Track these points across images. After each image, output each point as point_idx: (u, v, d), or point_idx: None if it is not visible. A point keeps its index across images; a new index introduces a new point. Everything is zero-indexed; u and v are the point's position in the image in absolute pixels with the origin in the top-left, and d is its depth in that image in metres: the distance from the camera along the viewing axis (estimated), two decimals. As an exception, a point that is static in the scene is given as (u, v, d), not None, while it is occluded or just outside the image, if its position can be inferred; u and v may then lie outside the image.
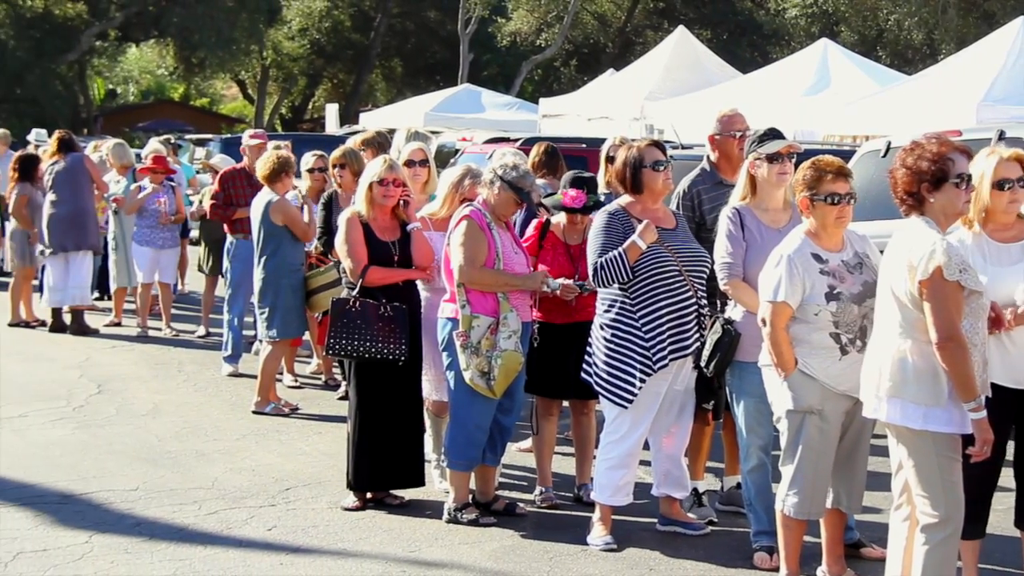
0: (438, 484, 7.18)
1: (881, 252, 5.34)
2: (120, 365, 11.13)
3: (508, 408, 6.74)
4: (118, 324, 12.99)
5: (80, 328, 12.52)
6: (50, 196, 12.53)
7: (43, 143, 16.92)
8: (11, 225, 13.52)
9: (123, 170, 13.46)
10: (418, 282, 7.12)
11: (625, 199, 6.41)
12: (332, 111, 31.53)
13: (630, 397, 6.20)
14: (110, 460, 7.83)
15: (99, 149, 14.47)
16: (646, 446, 6.49)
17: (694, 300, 6.24)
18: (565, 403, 7.35)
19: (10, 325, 12.99)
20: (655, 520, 6.62)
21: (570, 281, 6.81)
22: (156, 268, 12.51)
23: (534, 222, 7.24)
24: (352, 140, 9.75)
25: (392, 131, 9.70)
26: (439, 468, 7.23)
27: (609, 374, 6.24)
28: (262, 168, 9.40)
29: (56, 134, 13.32)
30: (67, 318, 12.64)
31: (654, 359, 6.16)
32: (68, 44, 42.69)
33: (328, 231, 8.91)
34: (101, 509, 6.88)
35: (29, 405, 9.33)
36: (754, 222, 6.06)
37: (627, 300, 6.23)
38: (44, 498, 7.02)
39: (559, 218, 7.11)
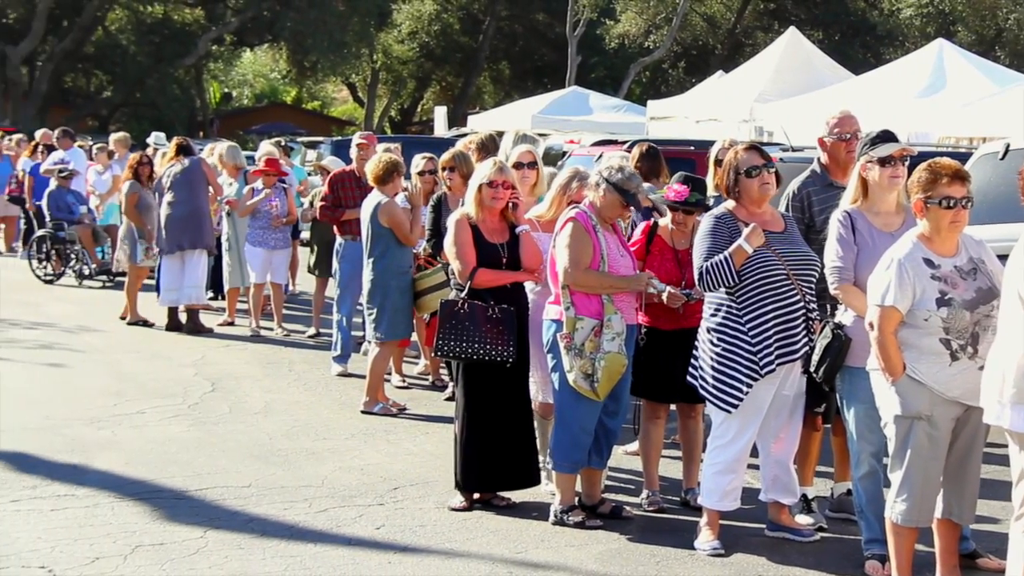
0: (544, 486, 7.20)
1: (999, 257, 5.22)
2: (233, 364, 11.35)
3: (614, 411, 6.73)
4: (231, 324, 13.24)
5: (195, 327, 12.79)
6: (167, 197, 12.79)
7: (162, 146, 17.33)
8: (123, 227, 13.82)
9: (235, 172, 13.73)
10: (526, 284, 7.15)
11: (731, 202, 6.36)
12: (440, 114, 31.78)
13: (736, 402, 6.15)
14: (223, 457, 7.99)
15: (214, 152, 14.76)
16: (754, 451, 6.43)
17: (802, 304, 6.16)
18: (672, 407, 7.31)
19: (129, 324, 13.32)
20: (763, 526, 6.56)
21: (676, 290, 6.77)
22: (268, 269, 12.71)
23: (641, 225, 7.21)
24: (461, 143, 9.82)
25: (500, 133, 9.71)
26: (545, 470, 7.25)
27: (715, 379, 6.20)
28: (372, 170, 9.50)
29: (175, 139, 13.66)
30: (183, 317, 12.91)
31: (761, 364, 6.10)
32: (186, 49, 43.67)
33: (437, 233, 8.98)
34: (215, 505, 7.02)
35: (147, 402, 9.56)
36: (865, 226, 5.96)
37: (733, 304, 6.18)
38: (161, 493, 7.20)
39: (666, 221, 7.08)
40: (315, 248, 12.86)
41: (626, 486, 7.50)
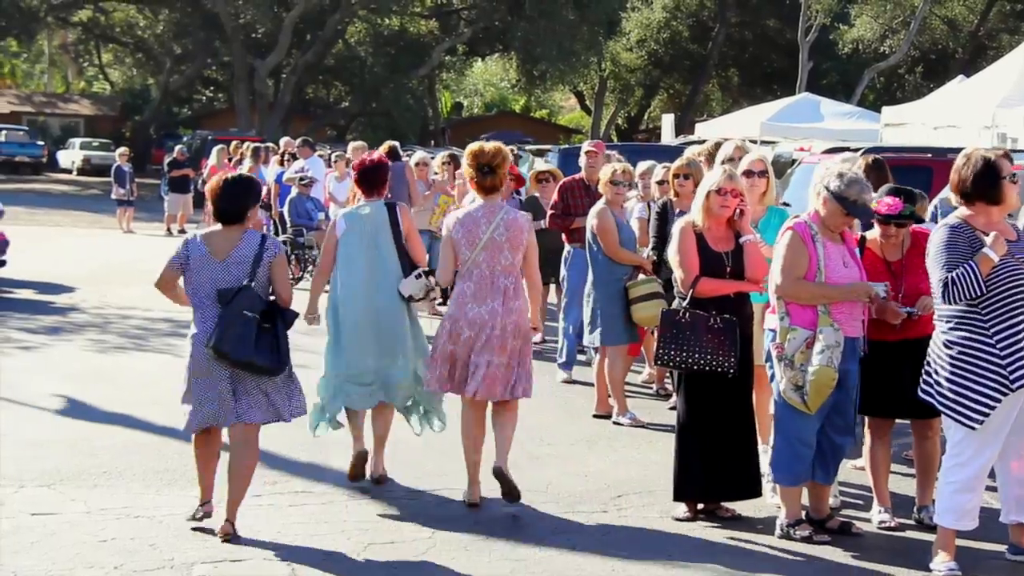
0: (769, 498, 7.09)
1: None
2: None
3: (840, 427, 6.58)
4: None
5: None
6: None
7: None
8: None
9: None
10: (751, 294, 7.06)
11: (963, 211, 6.12)
12: (668, 121, 31.66)
13: (981, 418, 5.91)
14: (449, 461, 8.14)
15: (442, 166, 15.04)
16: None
17: (1050, 314, 5.88)
18: (899, 420, 7.08)
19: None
20: (1003, 548, 6.28)
21: (897, 305, 6.58)
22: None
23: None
24: (690, 150, 9.74)
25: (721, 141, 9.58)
26: (772, 482, 7.13)
27: (956, 394, 5.96)
28: (604, 178, 9.62)
29: (386, 143, 13.85)
30: None
31: (1011, 378, 5.85)
32: (420, 60, 44.87)
33: (661, 239, 8.98)
34: (442, 507, 7.20)
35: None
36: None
37: (978, 316, 5.93)
38: (393, 493, 7.42)
39: (874, 233, 6.89)
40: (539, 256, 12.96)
41: (855, 501, 7.31)
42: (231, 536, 6.36)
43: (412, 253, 7.57)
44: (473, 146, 7.32)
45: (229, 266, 6.38)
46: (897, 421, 7.05)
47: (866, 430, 7.03)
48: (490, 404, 7.25)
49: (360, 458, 7.48)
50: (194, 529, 6.50)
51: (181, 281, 6.55)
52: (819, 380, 6.30)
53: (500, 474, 7.06)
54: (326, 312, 7.56)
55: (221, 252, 6.41)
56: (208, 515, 6.56)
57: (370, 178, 7.69)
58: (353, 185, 8.16)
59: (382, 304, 7.44)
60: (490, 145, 7.30)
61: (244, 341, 6.23)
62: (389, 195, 8.06)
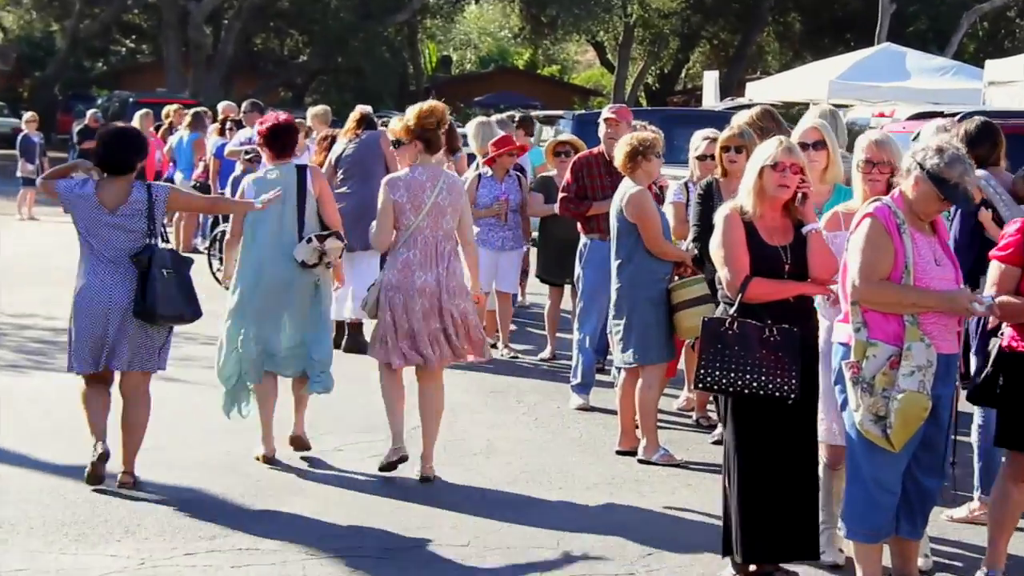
0: (824, 556, 7.10)
1: None
2: (448, 393, 11.55)
3: (929, 466, 6.58)
4: None
5: (356, 345, 12.74)
6: (338, 186, 12.73)
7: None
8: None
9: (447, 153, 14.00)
10: (816, 299, 7.07)
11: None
12: (711, 80, 31.63)
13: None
14: (435, 508, 8.16)
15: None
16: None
17: None
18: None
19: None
20: None
21: None
22: (494, 274, 12.91)
23: (1018, 221, 6.93)
24: (738, 117, 9.72)
25: (790, 106, 9.55)
26: (827, 533, 7.13)
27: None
28: (619, 152, 9.54)
29: (357, 109, 13.62)
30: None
31: None
32: (397, 3, 44.82)
33: (706, 230, 9.00)
34: (427, 567, 7.20)
35: (344, 437, 9.83)
36: None
37: None
38: (361, 550, 7.41)
39: None
40: (547, 249, 12.98)
41: (951, 562, 7.32)
42: (131, 484, 8.20)
43: (326, 218, 9.12)
44: (415, 107, 8.79)
45: (124, 219, 8.14)
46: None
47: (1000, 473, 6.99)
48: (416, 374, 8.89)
49: (267, 460, 9.04)
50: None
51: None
52: (908, 409, 6.28)
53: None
54: (233, 282, 9.13)
55: (110, 203, 8.13)
56: (104, 456, 8.21)
57: (281, 140, 9.17)
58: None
59: (282, 272, 8.97)
60: (428, 104, 8.84)
61: (171, 299, 8.16)
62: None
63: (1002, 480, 6.97)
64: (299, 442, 9.22)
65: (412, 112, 8.73)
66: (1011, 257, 6.71)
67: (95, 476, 8.22)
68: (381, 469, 8.76)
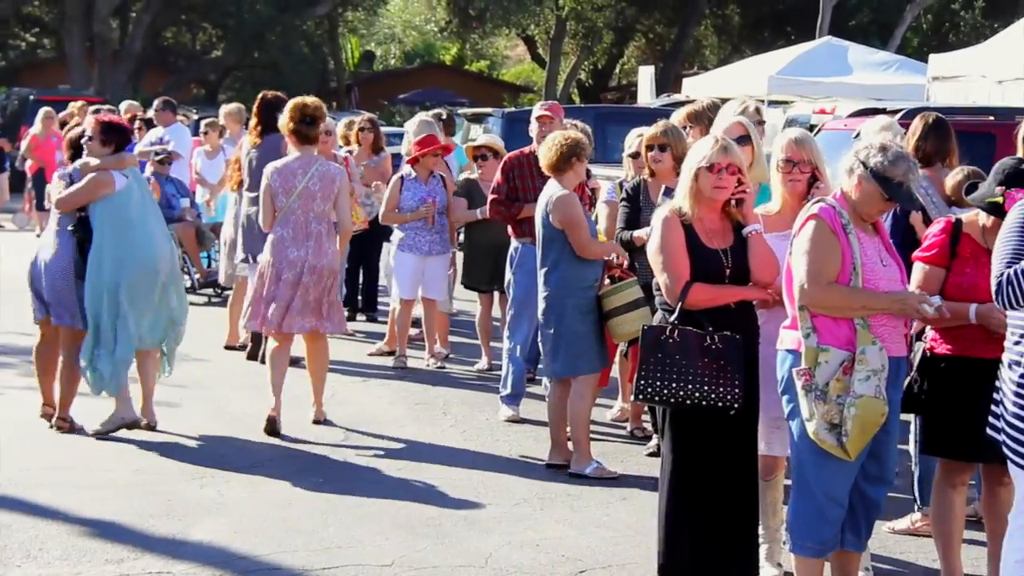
0: (764, 570, 7.13)
1: None
2: (372, 405, 11.55)
3: (876, 475, 6.62)
4: (390, 353, 13.31)
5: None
6: (247, 192, 12.64)
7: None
8: (227, 227, 13.90)
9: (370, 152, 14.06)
10: (756, 304, 7.11)
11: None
12: (646, 75, 31.83)
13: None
14: (358, 527, 8.14)
15: (352, 129, 14.96)
16: None
17: None
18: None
19: (226, 348, 13.64)
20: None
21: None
22: (420, 281, 12.88)
23: (941, 222, 7.01)
24: (676, 115, 9.79)
25: (725, 101, 9.62)
26: (766, 548, 7.17)
27: (1020, 431, 6.03)
28: (546, 153, 9.54)
29: (258, 99, 13.06)
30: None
31: None
32: (316, -5, 44.66)
33: (631, 230, 9.03)
34: (347, 588, 7.18)
35: (262, 453, 9.80)
36: None
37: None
38: (278, 572, 7.38)
39: (974, 215, 6.89)
40: (473, 254, 12.99)
41: (893, 577, 7.40)
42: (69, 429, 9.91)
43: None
44: (296, 100, 10.41)
45: None
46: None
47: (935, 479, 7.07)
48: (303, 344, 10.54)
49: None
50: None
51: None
52: (865, 416, 6.31)
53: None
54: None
55: None
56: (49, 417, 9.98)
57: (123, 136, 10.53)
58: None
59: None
60: (302, 99, 10.44)
61: None
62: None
63: (939, 490, 7.04)
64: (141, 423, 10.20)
65: (287, 107, 10.46)
66: (934, 258, 6.80)
67: None
68: (266, 431, 10.15)
